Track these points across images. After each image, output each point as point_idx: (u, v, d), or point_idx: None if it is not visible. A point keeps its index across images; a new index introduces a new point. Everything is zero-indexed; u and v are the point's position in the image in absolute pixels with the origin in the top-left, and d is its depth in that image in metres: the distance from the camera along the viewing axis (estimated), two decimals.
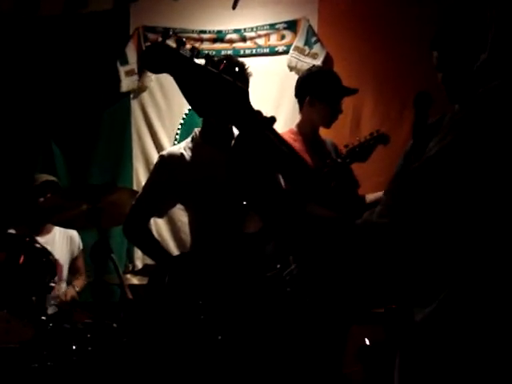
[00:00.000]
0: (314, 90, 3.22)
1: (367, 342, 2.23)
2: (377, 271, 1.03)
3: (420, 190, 1.03)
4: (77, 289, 4.02)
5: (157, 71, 1.22)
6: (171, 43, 1.23)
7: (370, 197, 3.17)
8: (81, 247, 4.28)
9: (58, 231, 4.18)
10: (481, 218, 1.01)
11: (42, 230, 4.12)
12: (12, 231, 3.91)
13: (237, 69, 2.29)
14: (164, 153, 2.91)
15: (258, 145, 1.18)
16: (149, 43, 4.69)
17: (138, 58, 4.68)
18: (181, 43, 1.22)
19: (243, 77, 2.70)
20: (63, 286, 4.08)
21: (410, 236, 1.01)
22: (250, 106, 1.20)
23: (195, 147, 2.81)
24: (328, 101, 3.21)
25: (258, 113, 1.20)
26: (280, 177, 1.20)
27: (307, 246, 1.10)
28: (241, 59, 2.96)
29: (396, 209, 1.03)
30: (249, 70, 2.76)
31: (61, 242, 4.17)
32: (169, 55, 1.19)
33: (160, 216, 3.02)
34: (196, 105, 1.18)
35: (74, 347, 2.99)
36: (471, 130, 1.02)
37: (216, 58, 2.77)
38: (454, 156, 1.02)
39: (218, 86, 1.17)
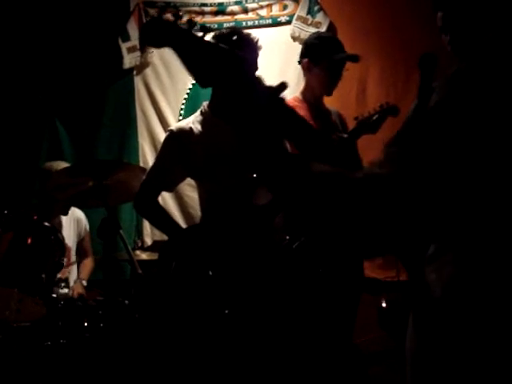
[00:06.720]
0: (311, 54, 3.18)
1: (384, 304, 2.22)
2: (379, 221, 1.03)
3: (426, 137, 1.02)
4: (84, 284, 3.96)
5: (157, 45, 1.25)
6: (169, 17, 1.25)
7: None
8: (87, 229, 4.24)
9: None
10: (483, 163, 0.99)
11: (49, 214, 4.08)
12: None
13: (235, 37, 2.27)
14: (173, 127, 2.91)
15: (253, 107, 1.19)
16: (150, 18, 4.65)
17: (140, 34, 4.65)
18: (178, 17, 1.26)
19: (252, 49, 2.70)
20: (73, 268, 4.08)
21: (413, 184, 1.01)
22: (247, 73, 1.21)
23: (204, 121, 2.81)
24: (324, 64, 3.14)
25: (258, 80, 1.21)
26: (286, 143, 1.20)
27: (311, 200, 1.10)
28: (246, 31, 2.94)
29: (401, 158, 1.02)
30: (259, 43, 2.74)
31: (68, 225, 4.12)
32: (167, 29, 1.22)
33: (170, 190, 3.03)
34: (197, 75, 1.20)
35: (86, 324, 3.02)
36: (470, 80, 1.00)
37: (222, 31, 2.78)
38: (453, 104, 1.00)
39: (215, 55, 1.19)
